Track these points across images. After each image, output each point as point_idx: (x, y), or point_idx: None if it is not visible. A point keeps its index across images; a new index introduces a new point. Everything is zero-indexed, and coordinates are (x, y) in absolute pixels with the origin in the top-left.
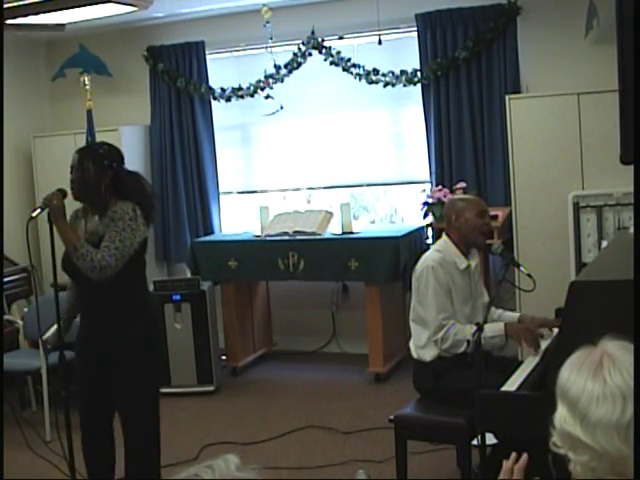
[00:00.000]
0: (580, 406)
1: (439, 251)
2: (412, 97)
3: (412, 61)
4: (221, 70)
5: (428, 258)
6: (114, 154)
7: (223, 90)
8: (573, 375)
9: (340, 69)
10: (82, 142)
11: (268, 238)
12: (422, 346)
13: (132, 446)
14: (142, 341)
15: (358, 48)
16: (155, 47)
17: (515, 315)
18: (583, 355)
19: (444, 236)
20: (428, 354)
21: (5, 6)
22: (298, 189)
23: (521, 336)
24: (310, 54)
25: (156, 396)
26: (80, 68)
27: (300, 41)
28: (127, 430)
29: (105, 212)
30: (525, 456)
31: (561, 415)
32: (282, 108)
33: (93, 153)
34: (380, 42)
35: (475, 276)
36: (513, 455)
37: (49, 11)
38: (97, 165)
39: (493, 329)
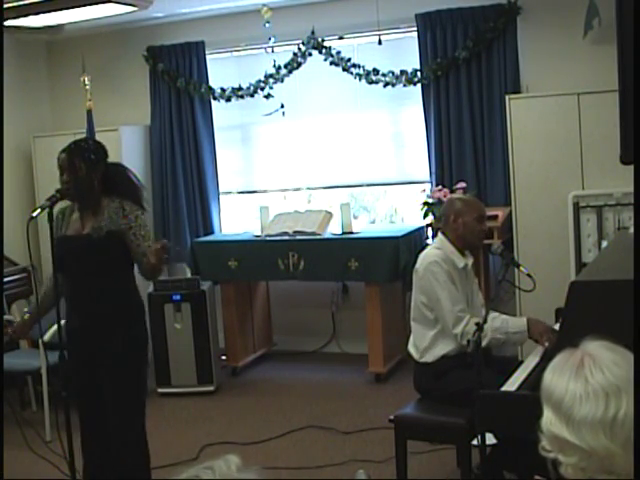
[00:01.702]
0: (564, 407)
1: (439, 248)
2: (412, 97)
3: (412, 61)
4: (221, 70)
5: (429, 255)
6: (100, 149)
7: (223, 90)
8: (555, 377)
9: (340, 69)
10: None
11: (268, 238)
12: (427, 345)
13: (118, 446)
14: (132, 341)
15: (358, 48)
16: (155, 47)
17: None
18: (565, 357)
19: (440, 235)
20: (433, 354)
21: (5, 6)
22: (298, 189)
23: (543, 336)
24: (310, 54)
25: (142, 397)
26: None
27: (300, 41)
28: (114, 431)
29: (98, 207)
30: None
31: (547, 418)
32: (282, 107)
33: (82, 151)
34: (380, 42)
35: (471, 276)
36: None
37: (49, 11)
38: (87, 162)
39: (516, 324)
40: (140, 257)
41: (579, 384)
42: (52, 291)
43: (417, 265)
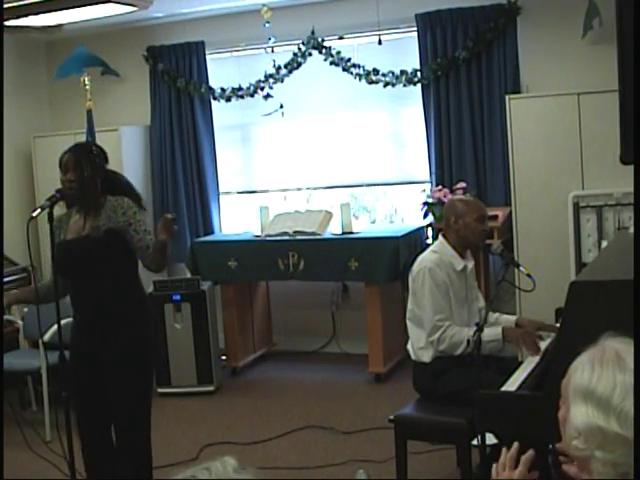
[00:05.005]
0: (614, 400)
1: (436, 252)
2: (412, 97)
3: (412, 61)
4: (221, 70)
5: (425, 259)
6: (102, 152)
7: (223, 90)
8: (596, 373)
9: (340, 69)
10: None
11: (268, 238)
12: (421, 347)
13: (123, 447)
14: (136, 342)
15: (358, 48)
16: (155, 47)
17: (512, 318)
18: (596, 353)
19: (441, 237)
20: (427, 355)
21: (5, 6)
22: (298, 189)
23: (519, 340)
24: (310, 54)
25: (147, 397)
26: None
27: (300, 41)
28: (118, 432)
29: (97, 208)
30: (516, 444)
31: (587, 414)
32: (282, 107)
33: (87, 152)
34: (380, 42)
35: (470, 279)
36: (504, 451)
37: (49, 11)
38: (92, 163)
39: (490, 333)
40: (143, 251)
41: (627, 376)
42: (52, 285)
43: (413, 267)
